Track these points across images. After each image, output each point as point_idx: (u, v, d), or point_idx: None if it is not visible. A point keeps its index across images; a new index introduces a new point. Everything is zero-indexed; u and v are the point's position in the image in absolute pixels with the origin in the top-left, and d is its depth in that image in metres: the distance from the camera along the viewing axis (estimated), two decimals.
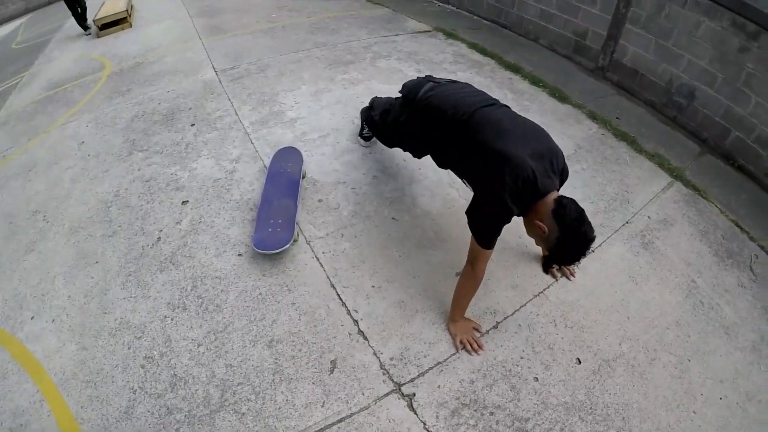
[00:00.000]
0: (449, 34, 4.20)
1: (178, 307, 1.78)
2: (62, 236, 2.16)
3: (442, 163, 1.81)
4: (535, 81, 3.51)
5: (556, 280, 2.01)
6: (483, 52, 3.88)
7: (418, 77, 1.94)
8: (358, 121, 2.69)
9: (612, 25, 3.65)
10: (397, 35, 4.22)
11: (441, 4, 5.06)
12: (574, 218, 1.40)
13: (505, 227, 1.50)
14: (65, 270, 1.98)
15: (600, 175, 2.68)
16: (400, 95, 2.09)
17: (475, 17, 4.71)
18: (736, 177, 3.09)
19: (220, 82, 3.40)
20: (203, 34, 4.43)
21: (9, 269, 2.03)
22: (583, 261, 1.76)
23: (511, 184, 1.39)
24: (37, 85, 3.99)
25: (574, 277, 2.03)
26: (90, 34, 5.08)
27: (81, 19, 5.06)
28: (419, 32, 4.29)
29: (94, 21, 4.91)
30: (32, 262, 2.05)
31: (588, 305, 1.94)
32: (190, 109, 3.16)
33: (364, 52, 3.83)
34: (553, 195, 1.45)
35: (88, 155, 2.74)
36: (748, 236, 2.58)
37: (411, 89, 1.83)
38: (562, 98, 3.34)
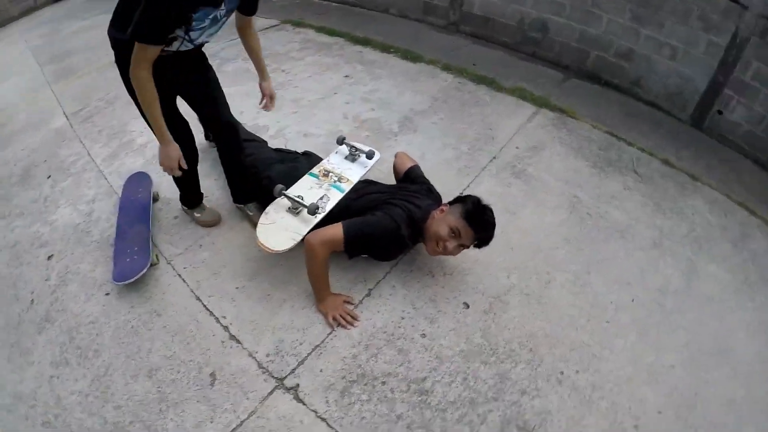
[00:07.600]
0: (297, 24, 4.17)
1: (61, 364, 1.65)
2: None
3: None
4: (385, 48, 3.52)
5: None
6: (331, 33, 3.89)
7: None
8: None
9: None
10: None
11: None
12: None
13: None
14: None
15: (459, 120, 2.65)
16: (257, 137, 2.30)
17: (324, 2, 4.70)
18: (604, 93, 3.22)
19: (71, 126, 3.15)
20: (53, 81, 4.06)
21: None
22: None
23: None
24: None
25: None
26: None
27: None
28: (267, 28, 4.18)
29: None
30: None
31: None
32: (45, 161, 2.87)
33: (210, 59, 3.65)
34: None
35: None
36: (626, 142, 2.66)
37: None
38: (415, 58, 3.35)
